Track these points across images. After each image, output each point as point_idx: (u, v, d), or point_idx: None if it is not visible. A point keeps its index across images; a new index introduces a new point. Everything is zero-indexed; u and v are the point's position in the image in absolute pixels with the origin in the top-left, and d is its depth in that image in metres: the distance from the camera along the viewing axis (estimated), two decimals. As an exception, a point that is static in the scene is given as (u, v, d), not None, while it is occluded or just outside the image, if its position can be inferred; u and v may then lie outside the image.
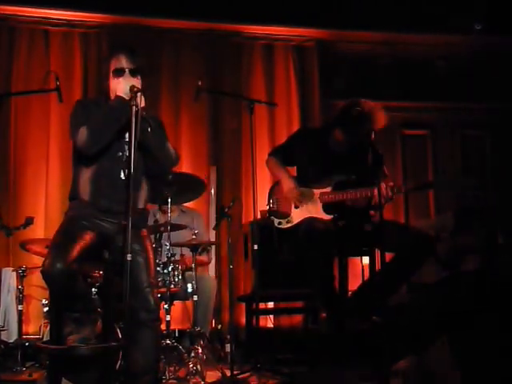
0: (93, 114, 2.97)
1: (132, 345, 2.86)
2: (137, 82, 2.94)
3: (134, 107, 2.77)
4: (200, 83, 4.09)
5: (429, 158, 6.43)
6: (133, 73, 2.99)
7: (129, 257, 2.71)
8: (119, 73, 2.99)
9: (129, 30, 5.88)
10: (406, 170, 6.23)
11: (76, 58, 5.73)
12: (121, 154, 3.02)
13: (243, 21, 5.99)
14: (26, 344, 4.41)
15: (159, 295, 4.02)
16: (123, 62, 3.00)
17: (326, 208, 4.00)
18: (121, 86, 2.93)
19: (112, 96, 3.02)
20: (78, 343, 3.07)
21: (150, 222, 4.29)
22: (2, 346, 4.44)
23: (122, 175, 3.00)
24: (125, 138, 3.01)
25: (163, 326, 4.09)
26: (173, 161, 3.13)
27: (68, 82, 5.52)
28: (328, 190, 4.01)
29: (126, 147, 2.99)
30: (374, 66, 6.28)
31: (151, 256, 3.06)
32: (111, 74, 3.02)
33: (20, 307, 4.55)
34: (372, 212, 4.06)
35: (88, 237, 2.95)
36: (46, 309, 4.20)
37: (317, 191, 4.03)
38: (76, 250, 2.84)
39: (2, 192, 5.16)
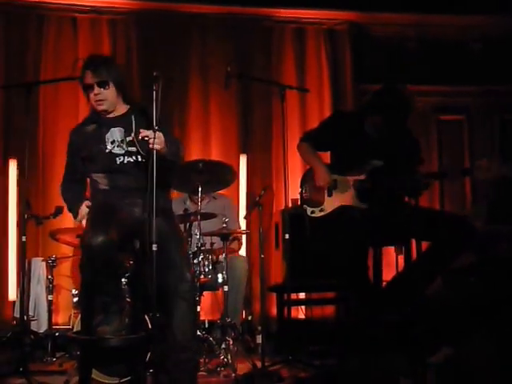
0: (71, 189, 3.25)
1: (169, 321, 2.93)
2: (108, 92, 3.10)
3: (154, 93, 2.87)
4: (229, 69, 4.01)
5: (465, 144, 6.24)
6: (100, 85, 3.10)
7: (154, 247, 2.76)
8: (89, 89, 3.12)
9: (156, 15, 5.82)
10: (442, 156, 6.07)
11: (104, 45, 5.68)
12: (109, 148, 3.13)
13: (273, 4, 5.86)
14: (56, 334, 4.42)
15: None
16: (88, 78, 3.11)
17: (361, 196, 3.90)
18: (94, 102, 3.13)
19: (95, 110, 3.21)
20: (108, 334, 3.03)
21: (180, 210, 4.25)
22: (32, 337, 4.45)
23: (118, 161, 3.09)
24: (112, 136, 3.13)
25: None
26: (179, 159, 3.22)
27: (97, 69, 5.47)
28: (362, 177, 3.91)
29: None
30: (408, 49, 6.11)
31: (182, 237, 3.17)
32: (83, 90, 3.17)
33: (50, 297, 4.57)
34: (407, 199, 3.95)
35: (122, 215, 3.01)
36: (75, 299, 4.19)
37: (351, 178, 3.93)
38: (114, 224, 2.91)
39: (32, 181, 5.12)
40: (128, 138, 3.11)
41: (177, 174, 3.86)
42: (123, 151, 3.11)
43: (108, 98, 3.11)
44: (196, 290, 3.09)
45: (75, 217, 3.19)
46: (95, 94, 3.10)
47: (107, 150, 3.11)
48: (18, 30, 5.60)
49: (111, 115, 3.20)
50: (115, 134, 3.15)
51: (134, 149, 3.07)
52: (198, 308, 4.00)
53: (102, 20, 5.72)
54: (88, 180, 3.28)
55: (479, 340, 3.14)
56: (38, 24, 5.62)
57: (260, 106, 5.87)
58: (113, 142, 3.13)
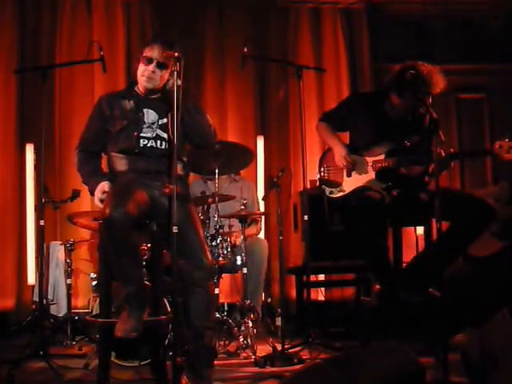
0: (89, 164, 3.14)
1: (186, 307, 2.91)
2: (162, 75, 3.06)
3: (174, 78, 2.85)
4: (245, 50, 3.95)
5: (485, 123, 6.12)
6: (159, 66, 3.05)
7: (175, 229, 2.71)
8: (148, 61, 3.07)
9: (171, -3, 5.75)
10: (462, 136, 5.98)
11: (119, 28, 5.64)
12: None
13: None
14: (76, 318, 4.44)
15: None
16: (155, 53, 3.05)
17: (380, 176, 3.85)
18: (143, 74, 3.06)
19: (138, 80, 3.12)
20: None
21: (198, 192, 4.23)
22: (52, 320, 4.49)
23: (141, 143, 3.03)
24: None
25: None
26: (211, 137, 3.21)
27: (111, 52, 5.45)
28: (381, 157, 3.86)
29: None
30: (426, 27, 6.00)
31: (198, 222, 3.08)
32: (141, 58, 3.09)
33: (68, 281, 4.58)
34: (427, 179, 3.90)
35: (142, 194, 2.94)
36: (94, 283, 4.20)
37: (369, 159, 3.88)
38: (134, 199, 2.84)
39: (48, 165, 5.13)
40: (161, 121, 3.07)
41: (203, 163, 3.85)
42: (151, 135, 3.06)
43: (159, 81, 3.06)
44: (214, 275, 3.04)
45: (91, 191, 3.10)
46: (150, 71, 3.04)
47: (136, 133, 3.05)
48: (32, 14, 5.58)
49: (149, 95, 3.13)
50: (150, 115, 3.09)
51: (164, 134, 3.04)
52: (217, 290, 4.00)
53: (117, 2, 5.66)
54: (104, 157, 3.21)
55: (502, 321, 3.09)
56: (51, 8, 5.59)
57: (277, 87, 5.81)
58: (146, 125, 3.08)
